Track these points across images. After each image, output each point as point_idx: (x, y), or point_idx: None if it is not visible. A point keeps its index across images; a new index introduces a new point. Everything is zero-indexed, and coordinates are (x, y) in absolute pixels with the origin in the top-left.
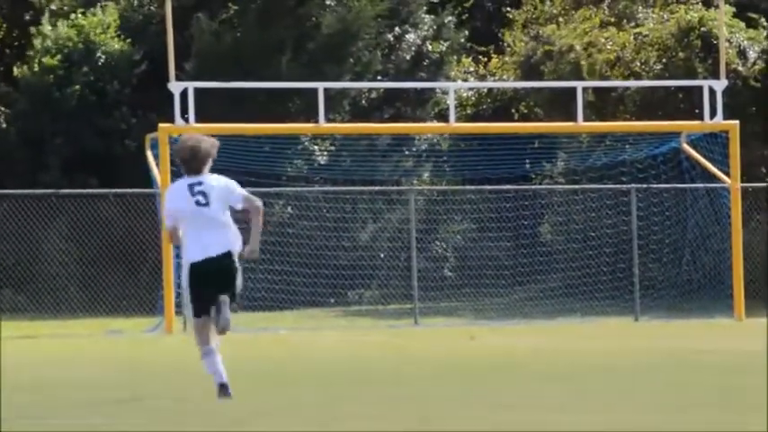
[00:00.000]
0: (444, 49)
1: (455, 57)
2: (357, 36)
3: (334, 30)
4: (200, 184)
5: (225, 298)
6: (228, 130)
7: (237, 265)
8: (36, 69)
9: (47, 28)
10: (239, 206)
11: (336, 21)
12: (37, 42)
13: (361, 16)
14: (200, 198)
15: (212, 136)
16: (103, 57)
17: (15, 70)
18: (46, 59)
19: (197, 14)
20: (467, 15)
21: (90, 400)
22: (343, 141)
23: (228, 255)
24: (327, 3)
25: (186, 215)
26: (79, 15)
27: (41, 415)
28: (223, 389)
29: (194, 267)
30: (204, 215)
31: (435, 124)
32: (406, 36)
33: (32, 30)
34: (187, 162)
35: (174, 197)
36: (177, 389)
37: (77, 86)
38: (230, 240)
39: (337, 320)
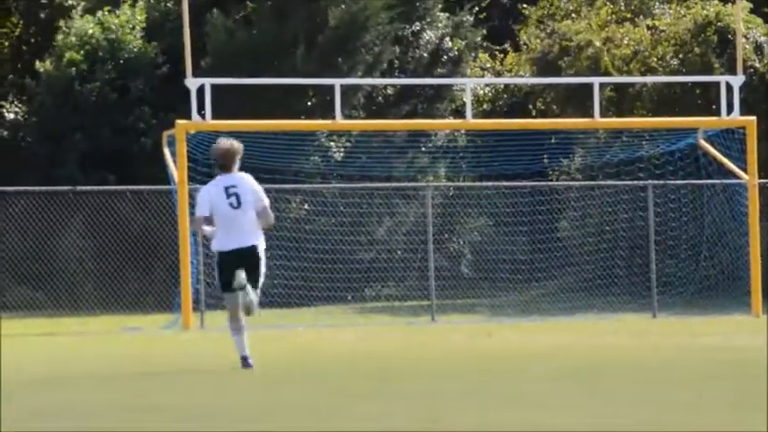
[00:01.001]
0: (462, 47)
1: (472, 54)
2: (365, 28)
3: (341, 22)
4: (234, 186)
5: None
6: (245, 126)
7: (262, 255)
8: (59, 64)
9: (76, 23)
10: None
11: (344, 12)
12: (60, 38)
13: (369, 7)
14: (234, 200)
15: (228, 133)
16: (127, 55)
17: (38, 64)
18: (69, 54)
19: (212, 11)
20: (485, 15)
21: (106, 399)
22: (360, 138)
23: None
24: None
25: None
26: (105, 13)
27: (57, 414)
28: (244, 361)
29: (224, 255)
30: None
31: (452, 120)
32: (423, 33)
33: (61, 24)
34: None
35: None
36: (194, 385)
37: (98, 83)
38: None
39: (354, 317)
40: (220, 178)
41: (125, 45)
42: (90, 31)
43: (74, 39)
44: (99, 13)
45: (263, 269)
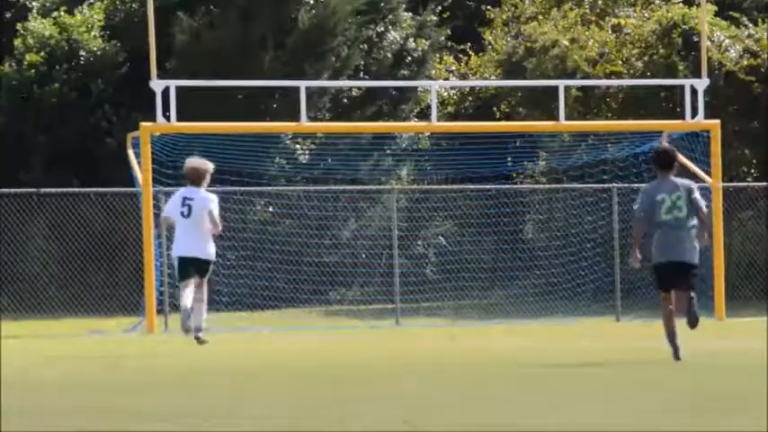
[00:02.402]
0: (426, 47)
1: (437, 55)
2: (334, 32)
3: (310, 26)
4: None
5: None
6: (209, 129)
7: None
8: (17, 66)
9: (31, 25)
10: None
11: (312, 17)
12: (18, 41)
13: (337, 11)
14: (185, 210)
15: (193, 135)
16: (86, 55)
17: None
18: (28, 56)
19: (177, 13)
20: (448, 14)
21: (72, 402)
22: (325, 140)
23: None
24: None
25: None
26: (62, 13)
27: (25, 416)
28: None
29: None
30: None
31: (417, 123)
32: (388, 34)
33: (18, 27)
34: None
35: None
36: (160, 387)
37: (56, 84)
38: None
39: (319, 320)
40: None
41: (84, 45)
42: (48, 33)
43: (32, 41)
44: (55, 14)
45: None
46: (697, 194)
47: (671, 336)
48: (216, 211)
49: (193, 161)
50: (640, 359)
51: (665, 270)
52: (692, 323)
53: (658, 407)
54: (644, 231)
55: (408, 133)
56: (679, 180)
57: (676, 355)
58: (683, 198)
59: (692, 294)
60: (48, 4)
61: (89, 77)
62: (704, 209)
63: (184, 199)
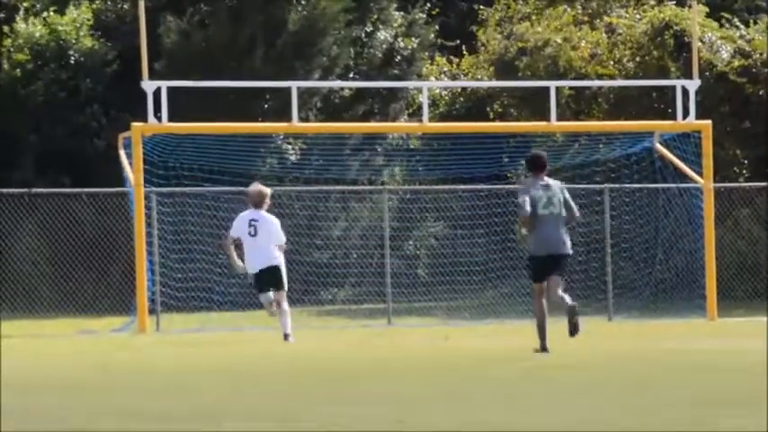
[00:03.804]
0: (415, 45)
1: (426, 53)
2: (324, 32)
3: (300, 26)
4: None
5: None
6: (200, 129)
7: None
8: (6, 66)
9: (20, 26)
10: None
11: (302, 17)
12: (8, 42)
13: (327, 12)
14: (252, 230)
15: (184, 135)
16: (76, 55)
17: None
18: (16, 55)
19: (166, 14)
20: (437, 11)
21: (64, 402)
22: (315, 140)
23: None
24: None
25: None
26: (51, 13)
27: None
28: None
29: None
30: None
31: (408, 123)
32: (377, 33)
33: (5, 28)
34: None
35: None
36: (152, 387)
37: (40, 82)
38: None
39: (310, 320)
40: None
41: (73, 45)
42: (37, 33)
43: (21, 41)
44: (44, 14)
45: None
46: (567, 194)
47: (541, 327)
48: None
49: (256, 186)
50: (633, 358)
51: (542, 263)
52: (573, 331)
53: (653, 406)
54: (530, 221)
55: (399, 134)
56: (551, 180)
57: (544, 347)
58: (556, 196)
59: (575, 304)
60: (37, 6)
61: (78, 77)
62: (575, 207)
63: (251, 221)
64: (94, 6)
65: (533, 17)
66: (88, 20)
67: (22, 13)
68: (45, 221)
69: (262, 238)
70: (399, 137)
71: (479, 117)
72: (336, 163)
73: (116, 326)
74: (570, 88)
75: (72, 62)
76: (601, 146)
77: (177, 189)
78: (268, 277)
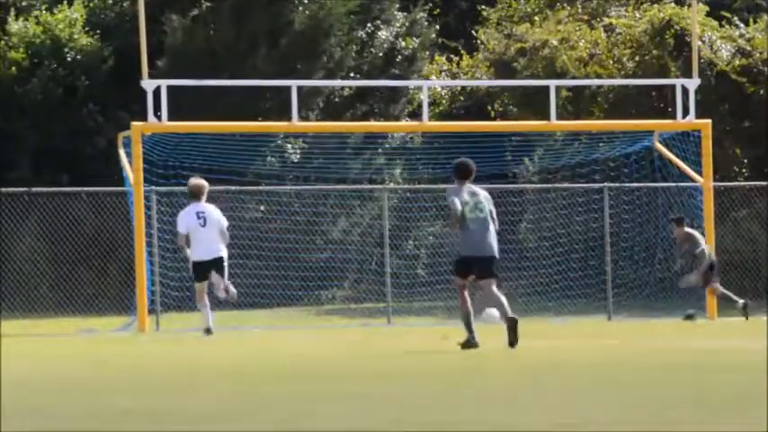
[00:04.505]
0: (416, 45)
1: (427, 53)
2: (329, 33)
3: (306, 26)
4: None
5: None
6: (200, 128)
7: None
8: (2, 65)
9: (13, 27)
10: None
11: (308, 17)
12: (2, 43)
13: (333, 13)
14: (202, 221)
15: (184, 134)
16: (72, 53)
17: None
18: (11, 54)
19: (169, 12)
20: (438, 11)
21: (64, 401)
22: (316, 139)
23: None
24: None
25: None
26: (44, 12)
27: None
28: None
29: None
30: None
31: (408, 123)
32: (379, 33)
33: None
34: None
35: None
36: (151, 387)
37: (36, 80)
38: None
39: (310, 319)
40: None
41: (68, 42)
42: (31, 31)
43: (15, 39)
44: (37, 13)
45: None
46: (492, 204)
47: (468, 321)
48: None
49: (196, 179)
50: (633, 358)
51: (467, 263)
52: (513, 342)
53: (653, 406)
54: (460, 223)
55: (400, 134)
56: (476, 187)
57: (473, 341)
58: (482, 202)
59: (516, 318)
60: (25, 4)
61: (75, 75)
62: (496, 219)
63: (198, 213)
64: (92, 5)
65: (534, 17)
66: (81, 16)
67: (12, 12)
68: (45, 221)
69: (210, 228)
70: (400, 137)
71: (479, 116)
72: (337, 163)
73: (116, 326)
74: (568, 89)
75: (68, 60)
76: (601, 145)
77: (177, 188)
78: (209, 266)
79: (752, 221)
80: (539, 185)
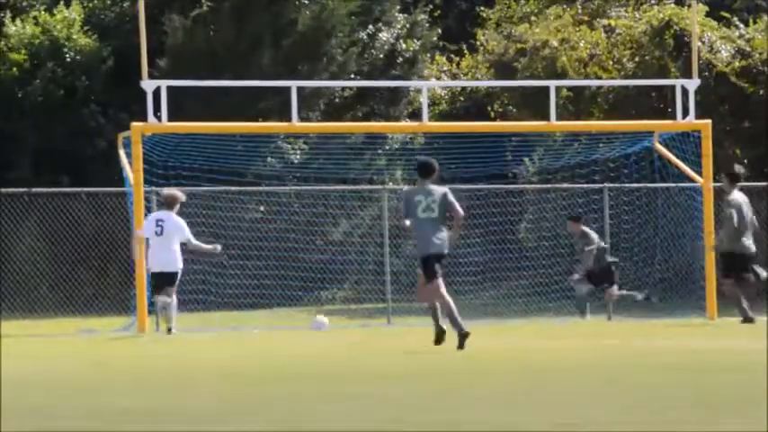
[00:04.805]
0: (417, 47)
1: (428, 55)
2: (331, 34)
3: (308, 28)
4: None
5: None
6: (200, 129)
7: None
8: (2, 66)
9: (11, 29)
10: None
11: (311, 19)
12: (2, 43)
13: (336, 14)
14: (158, 230)
15: (184, 134)
16: (71, 53)
17: None
18: (11, 55)
19: (169, 12)
20: (439, 13)
21: (64, 402)
22: (317, 140)
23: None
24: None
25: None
26: (42, 12)
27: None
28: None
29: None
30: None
31: (408, 123)
32: (380, 34)
33: None
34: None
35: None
36: (151, 387)
37: (37, 81)
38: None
39: (310, 319)
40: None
41: (67, 43)
42: (29, 32)
43: (14, 40)
44: (35, 14)
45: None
46: (451, 197)
47: (436, 317)
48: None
49: (171, 190)
50: (633, 358)
51: (428, 261)
52: (464, 337)
53: (653, 406)
54: (406, 224)
55: (400, 135)
56: (435, 186)
57: (441, 336)
58: (436, 201)
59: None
60: (25, 4)
61: (75, 76)
62: (458, 209)
63: (158, 221)
64: (91, 5)
65: (533, 18)
66: (79, 16)
67: (9, 13)
68: (45, 221)
69: (166, 238)
70: (401, 139)
71: (479, 117)
72: (337, 163)
73: (116, 326)
74: (568, 90)
75: (68, 60)
76: (601, 145)
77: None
78: (164, 281)
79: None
80: (539, 186)
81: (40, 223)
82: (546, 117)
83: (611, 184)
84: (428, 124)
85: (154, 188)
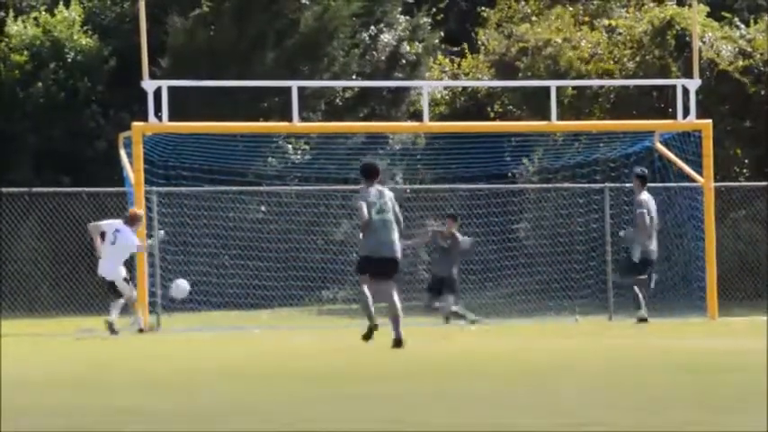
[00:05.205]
0: (420, 50)
1: (430, 57)
2: (333, 35)
3: (311, 29)
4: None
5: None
6: (201, 129)
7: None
8: (2, 67)
9: (12, 29)
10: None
11: (313, 19)
12: (2, 44)
13: (338, 15)
14: (113, 238)
15: (185, 134)
16: (72, 54)
17: None
18: (13, 57)
19: (170, 12)
20: (442, 17)
21: (65, 401)
22: (318, 140)
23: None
24: (303, 1)
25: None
26: (43, 13)
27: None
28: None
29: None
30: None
31: (408, 123)
32: (381, 36)
33: None
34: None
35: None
36: (151, 387)
37: (40, 83)
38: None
39: (312, 319)
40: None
41: (68, 43)
42: (30, 32)
43: (15, 41)
44: (35, 14)
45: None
46: (396, 205)
47: (370, 315)
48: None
49: (135, 209)
50: (633, 358)
51: (372, 262)
52: (398, 343)
53: (653, 406)
54: (368, 222)
55: (402, 136)
56: (383, 188)
57: (371, 334)
58: (387, 203)
59: (400, 331)
60: (25, 4)
61: (76, 76)
62: (401, 217)
63: (116, 230)
64: (90, 5)
65: (534, 18)
66: (79, 16)
67: (12, 13)
68: (45, 221)
69: (117, 249)
70: (402, 140)
71: (480, 117)
72: (338, 164)
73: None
74: (572, 88)
75: (69, 60)
76: (601, 145)
77: (178, 189)
78: (108, 286)
79: (752, 222)
80: (539, 185)
81: (41, 223)
82: (546, 117)
83: (612, 184)
84: (428, 124)
85: (154, 188)
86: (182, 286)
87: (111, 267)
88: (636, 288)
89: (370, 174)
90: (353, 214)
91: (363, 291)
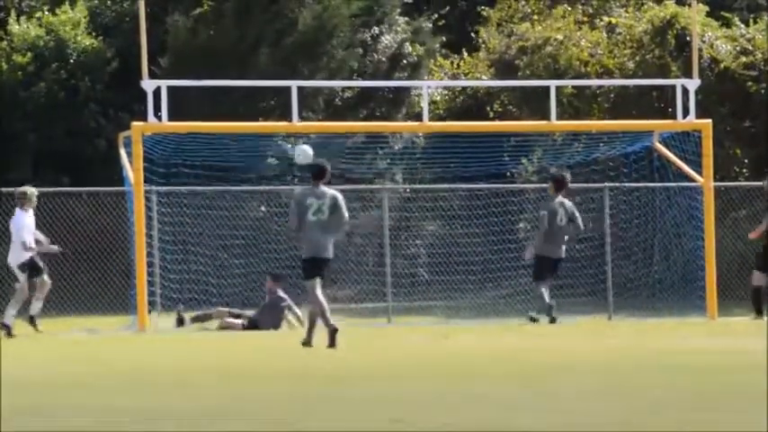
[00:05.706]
0: (422, 53)
1: (431, 60)
2: (332, 34)
3: (309, 28)
4: None
5: None
6: (200, 128)
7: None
8: (4, 67)
9: (15, 28)
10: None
11: (312, 18)
12: (4, 44)
13: (337, 14)
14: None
15: (184, 134)
16: (75, 54)
17: None
18: (16, 57)
19: (171, 12)
20: (443, 22)
21: (65, 401)
22: (318, 140)
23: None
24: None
25: None
26: (46, 13)
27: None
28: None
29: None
30: None
31: (408, 123)
32: (382, 38)
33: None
34: None
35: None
36: (151, 386)
37: (43, 83)
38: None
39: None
40: None
41: (71, 43)
42: (33, 33)
43: (17, 42)
44: (39, 14)
45: None
46: (341, 202)
47: (325, 317)
48: None
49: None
50: (633, 358)
51: (313, 263)
52: (332, 343)
53: (653, 406)
54: (296, 226)
55: (402, 136)
56: (327, 188)
57: (309, 340)
58: (326, 204)
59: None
60: (25, 4)
61: (77, 76)
62: (345, 213)
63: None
64: (91, 4)
65: (534, 17)
66: (84, 17)
67: (13, 13)
68: (44, 221)
69: (14, 235)
70: (402, 141)
71: (480, 116)
72: (338, 163)
73: (116, 326)
74: (571, 88)
75: (71, 61)
76: (601, 145)
77: (177, 188)
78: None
79: (752, 222)
80: (538, 185)
81: (40, 223)
82: (546, 116)
83: (611, 184)
84: (428, 124)
85: (154, 187)
86: (307, 151)
87: (12, 251)
88: (538, 287)
89: (317, 174)
90: (353, 214)
91: (319, 299)
